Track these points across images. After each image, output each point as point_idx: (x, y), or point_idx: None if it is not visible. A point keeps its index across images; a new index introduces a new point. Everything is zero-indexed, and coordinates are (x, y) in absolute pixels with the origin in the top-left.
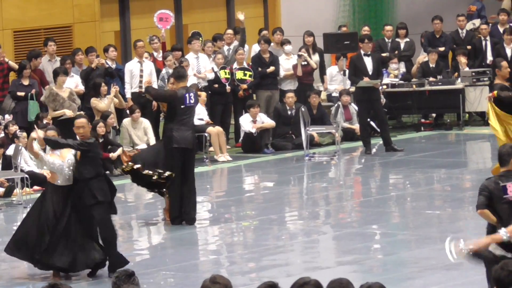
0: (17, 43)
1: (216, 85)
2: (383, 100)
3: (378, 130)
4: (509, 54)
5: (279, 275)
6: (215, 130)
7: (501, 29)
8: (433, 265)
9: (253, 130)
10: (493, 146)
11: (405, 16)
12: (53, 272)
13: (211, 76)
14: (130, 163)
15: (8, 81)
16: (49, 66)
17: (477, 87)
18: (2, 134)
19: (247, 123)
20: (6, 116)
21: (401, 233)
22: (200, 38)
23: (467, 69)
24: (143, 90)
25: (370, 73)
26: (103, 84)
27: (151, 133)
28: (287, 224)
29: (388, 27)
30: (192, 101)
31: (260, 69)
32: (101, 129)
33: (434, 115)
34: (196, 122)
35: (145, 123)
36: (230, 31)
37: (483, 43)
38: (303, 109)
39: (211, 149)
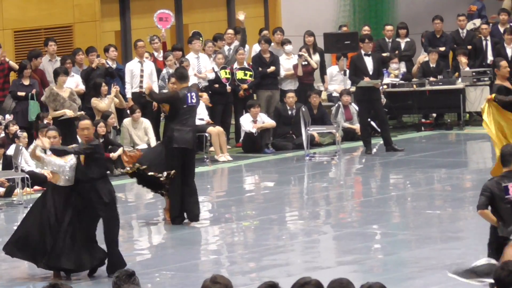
0: (18, 43)
1: (217, 85)
2: (383, 100)
3: (379, 130)
4: (509, 54)
5: (280, 275)
6: (215, 130)
7: (501, 29)
8: (434, 265)
9: (254, 130)
10: (493, 146)
11: (406, 16)
12: (54, 272)
13: (211, 76)
14: (136, 164)
15: (8, 81)
16: (50, 66)
17: (477, 87)
18: (3, 134)
19: (248, 123)
20: (7, 116)
21: (401, 233)
22: (201, 38)
23: (467, 69)
24: (143, 90)
25: (371, 73)
26: (103, 84)
27: (151, 133)
28: (288, 224)
29: (389, 27)
30: (194, 101)
31: (260, 69)
32: (101, 129)
33: (434, 115)
34: (197, 122)
35: (146, 123)
36: (230, 31)
37: (484, 43)
38: (303, 109)
39: (212, 149)
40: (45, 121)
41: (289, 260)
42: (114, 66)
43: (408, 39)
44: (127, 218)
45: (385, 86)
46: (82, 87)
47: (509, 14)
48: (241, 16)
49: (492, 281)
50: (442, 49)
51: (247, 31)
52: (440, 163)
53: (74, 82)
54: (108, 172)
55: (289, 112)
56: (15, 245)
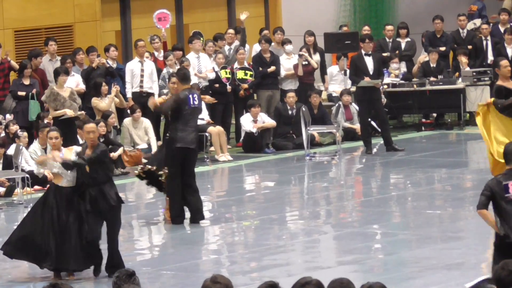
0: (18, 42)
1: (217, 85)
2: (384, 99)
3: (379, 130)
4: (510, 54)
5: (280, 274)
6: (216, 130)
7: (502, 29)
8: (434, 265)
9: (254, 130)
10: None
11: (406, 16)
12: (54, 272)
13: (212, 75)
14: (147, 165)
15: (9, 81)
16: (50, 66)
17: (478, 87)
18: (3, 134)
19: (248, 122)
20: (7, 115)
21: (402, 233)
22: (201, 38)
23: (468, 69)
24: (143, 90)
25: (371, 72)
26: (104, 83)
27: (151, 132)
28: (288, 223)
29: (389, 27)
30: (196, 102)
31: (261, 68)
32: (102, 128)
33: (435, 114)
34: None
35: (146, 122)
36: (231, 30)
37: (484, 42)
38: (304, 108)
39: (212, 148)
40: (46, 121)
41: (290, 260)
42: (114, 65)
43: (408, 39)
44: (128, 218)
45: (385, 86)
46: (82, 87)
47: (509, 14)
48: (243, 16)
49: None
50: (443, 49)
51: (247, 31)
52: (440, 163)
53: (74, 82)
54: None
55: (290, 112)
56: (15, 246)
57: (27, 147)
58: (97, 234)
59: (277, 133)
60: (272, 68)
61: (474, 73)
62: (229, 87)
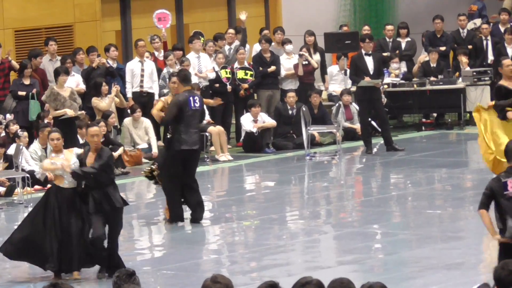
0: (18, 42)
1: (217, 85)
2: (384, 99)
3: (379, 129)
4: (510, 54)
5: (280, 274)
6: (216, 130)
7: (502, 29)
8: (434, 265)
9: (254, 130)
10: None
11: (406, 16)
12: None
13: (212, 75)
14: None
15: (9, 81)
16: (50, 66)
17: (478, 87)
18: (3, 134)
19: (248, 122)
20: (7, 115)
21: (402, 233)
22: (202, 38)
23: (468, 68)
24: (144, 90)
25: (371, 72)
26: (104, 83)
27: (152, 132)
28: (288, 223)
29: (389, 27)
30: (197, 105)
31: (261, 68)
32: (102, 128)
33: (435, 114)
34: None
35: (146, 122)
36: (231, 30)
37: (484, 42)
38: (304, 108)
39: (212, 148)
40: (46, 121)
41: (290, 259)
42: (114, 65)
43: (408, 39)
44: (128, 218)
45: (385, 86)
46: (82, 87)
47: (509, 13)
48: (242, 16)
49: None
50: (443, 48)
51: (247, 30)
52: (440, 163)
53: (74, 82)
54: None
55: (290, 112)
56: (15, 248)
57: (27, 147)
58: (102, 233)
59: (277, 133)
60: (272, 68)
61: (474, 73)
62: (229, 87)
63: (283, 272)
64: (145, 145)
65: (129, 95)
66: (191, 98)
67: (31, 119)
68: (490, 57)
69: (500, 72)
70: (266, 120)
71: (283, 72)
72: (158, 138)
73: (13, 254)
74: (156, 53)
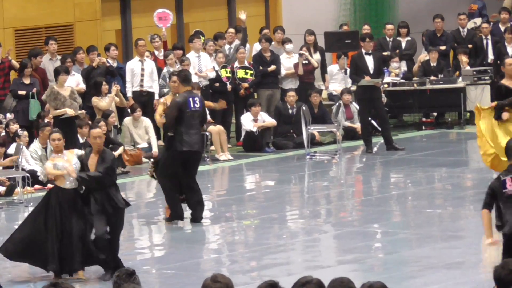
0: (18, 42)
1: (217, 84)
2: (384, 99)
3: (379, 129)
4: (510, 53)
5: (280, 274)
6: (216, 129)
7: (502, 28)
8: (434, 264)
9: (254, 129)
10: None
11: (406, 15)
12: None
13: (212, 75)
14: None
15: (9, 80)
16: (50, 65)
17: (478, 86)
18: (3, 133)
19: (248, 122)
20: (7, 114)
21: (402, 232)
22: (202, 37)
23: (468, 68)
24: (144, 89)
25: (371, 72)
26: (104, 83)
27: (152, 132)
28: (288, 223)
29: (389, 26)
30: (197, 105)
31: (261, 67)
32: (102, 128)
33: (435, 114)
34: None
35: (146, 122)
36: (231, 29)
37: (484, 41)
38: (304, 108)
39: (212, 148)
40: (46, 120)
41: (290, 259)
42: (114, 65)
43: (408, 38)
44: (128, 217)
45: (385, 85)
46: (82, 86)
47: (509, 13)
48: (242, 15)
49: None
50: (443, 48)
51: (247, 30)
52: (440, 162)
53: (74, 81)
54: None
55: (290, 111)
56: (16, 248)
57: (28, 146)
58: (104, 231)
59: (277, 132)
60: (273, 67)
61: (475, 72)
62: (229, 86)
63: (283, 272)
64: (145, 145)
65: (129, 94)
66: (190, 99)
67: (31, 118)
68: (490, 56)
69: (502, 71)
70: (266, 120)
71: (283, 72)
72: (158, 138)
73: (14, 255)
74: (156, 53)
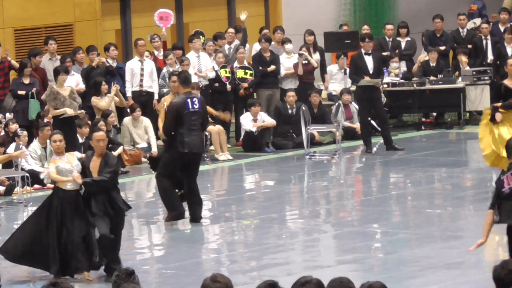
0: (18, 41)
1: (217, 84)
2: (383, 99)
3: (379, 129)
4: (509, 53)
5: (280, 273)
6: (215, 129)
7: (502, 28)
8: (434, 264)
9: (254, 129)
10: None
11: (406, 15)
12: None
13: (212, 75)
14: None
15: (9, 80)
16: (50, 65)
17: (477, 86)
18: (3, 133)
19: (248, 122)
20: (7, 114)
21: (401, 232)
22: (202, 37)
23: (467, 68)
24: (143, 89)
25: (371, 72)
26: (103, 82)
27: (151, 131)
28: (288, 223)
29: (389, 26)
30: (196, 107)
31: (261, 68)
32: (101, 127)
33: (434, 114)
34: None
35: (146, 121)
36: (231, 29)
37: (484, 42)
38: (303, 108)
39: (212, 148)
40: (46, 120)
41: (289, 259)
42: (114, 64)
43: (408, 38)
44: (127, 217)
45: (385, 85)
46: (82, 86)
47: (509, 13)
48: (242, 16)
49: None
50: (443, 48)
51: (247, 30)
52: (440, 162)
53: (74, 81)
54: None
55: (289, 111)
56: (19, 252)
57: (27, 146)
58: (108, 230)
59: (277, 132)
60: (272, 67)
61: (474, 73)
62: (229, 86)
63: (283, 271)
64: (145, 144)
65: (129, 94)
66: (188, 100)
67: (30, 118)
68: (490, 57)
69: (503, 72)
70: (266, 120)
71: (282, 72)
72: (158, 138)
73: (15, 258)
74: (156, 52)
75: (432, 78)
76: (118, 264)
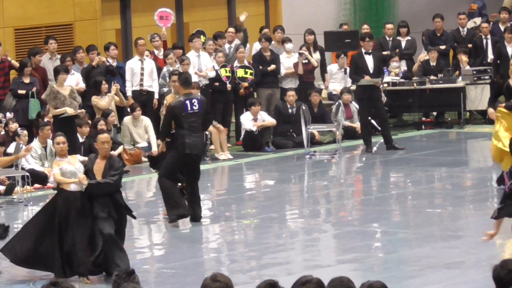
0: (18, 41)
1: (217, 83)
2: (384, 98)
3: (379, 128)
4: (510, 53)
5: (280, 273)
6: (215, 129)
7: (502, 28)
8: (434, 264)
9: (254, 128)
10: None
11: (406, 14)
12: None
13: (212, 74)
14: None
15: (9, 79)
16: (50, 64)
17: (478, 86)
18: (3, 132)
19: (248, 121)
20: (7, 114)
21: (402, 232)
22: (203, 37)
23: (468, 67)
24: (143, 88)
25: (371, 71)
26: (104, 82)
27: (151, 131)
28: (288, 222)
29: (389, 25)
30: (195, 108)
31: (261, 67)
32: (102, 127)
33: (435, 113)
34: None
35: (146, 121)
36: (231, 29)
37: (484, 41)
38: (304, 107)
39: (212, 147)
40: (46, 119)
41: (290, 258)
42: (114, 64)
43: (408, 38)
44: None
45: (385, 85)
46: (82, 85)
47: (509, 12)
48: (242, 17)
49: None
50: (443, 47)
51: (247, 29)
52: (440, 162)
53: (74, 80)
54: None
55: (290, 111)
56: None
57: (27, 145)
58: (112, 231)
59: (277, 132)
60: (272, 66)
61: (474, 72)
62: (229, 86)
63: (283, 271)
64: (145, 144)
65: (129, 93)
66: (187, 102)
67: (31, 117)
68: (490, 56)
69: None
70: (266, 119)
71: (283, 71)
72: (158, 137)
73: (18, 261)
74: (156, 52)
75: (432, 77)
76: (126, 262)
